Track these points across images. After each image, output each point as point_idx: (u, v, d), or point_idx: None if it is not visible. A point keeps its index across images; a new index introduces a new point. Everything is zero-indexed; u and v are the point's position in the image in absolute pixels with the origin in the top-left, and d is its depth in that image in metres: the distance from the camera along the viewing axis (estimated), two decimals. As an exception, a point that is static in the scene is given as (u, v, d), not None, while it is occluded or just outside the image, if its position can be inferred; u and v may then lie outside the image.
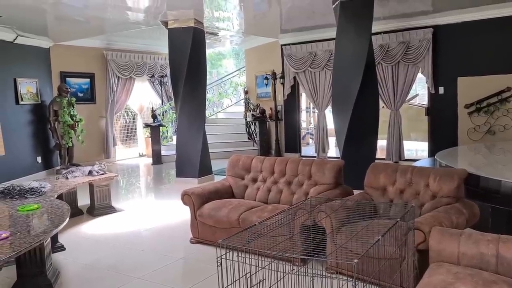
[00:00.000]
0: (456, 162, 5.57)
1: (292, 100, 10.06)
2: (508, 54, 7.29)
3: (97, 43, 9.77)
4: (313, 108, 10.48)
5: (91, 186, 5.71)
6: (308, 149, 10.85)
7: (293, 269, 3.14)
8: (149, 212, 5.97)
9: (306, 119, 12.13)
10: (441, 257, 2.77)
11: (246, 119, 10.88)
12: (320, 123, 9.52)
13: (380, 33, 8.15)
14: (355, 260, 1.95)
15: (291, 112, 10.14)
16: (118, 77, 10.31)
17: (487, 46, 7.48)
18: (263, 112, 10.27)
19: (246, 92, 11.38)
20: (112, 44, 10.05)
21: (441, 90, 7.98)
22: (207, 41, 8.20)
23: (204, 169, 7.75)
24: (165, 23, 7.56)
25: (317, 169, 4.28)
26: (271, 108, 10.34)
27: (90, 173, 5.68)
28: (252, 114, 10.48)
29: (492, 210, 4.29)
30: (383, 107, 8.41)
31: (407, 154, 8.72)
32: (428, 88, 8.15)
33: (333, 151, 9.76)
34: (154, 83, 11.25)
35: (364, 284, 3.15)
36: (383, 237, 3.17)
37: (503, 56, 7.33)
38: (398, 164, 4.07)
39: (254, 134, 10.61)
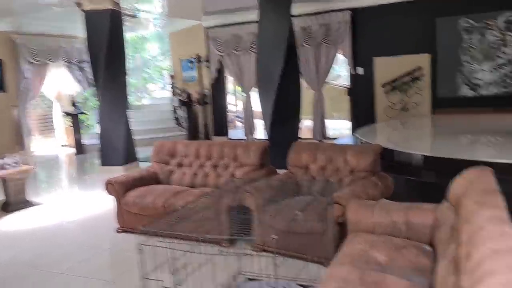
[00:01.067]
0: (374, 138, 5.89)
1: (219, 84, 10.02)
2: (419, 35, 7.78)
3: (3, 26, 8.99)
4: (240, 91, 10.52)
5: (3, 180, 5.32)
6: (236, 132, 10.92)
7: (219, 251, 3.17)
8: (72, 204, 5.69)
9: (233, 102, 12.16)
10: (358, 227, 2.93)
11: (172, 104, 10.68)
12: (247, 106, 9.59)
13: (301, 15, 8.31)
14: (274, 236, 2.00)
15: (218, 96, 10.10)
16: (31, 62, 9.59)
17: (401, 28, 7.92)
18: (189, 96, 10.13)
19: (172, 77, 11.14)
20: (23, 28, 9.30)
21: (361, 70, 8.35)
22: (128, 24, 7.88)
23: (129, 157, 7.53)
24: (80, 5, 7.14)
25: (242, 151, 4.32)
26: (197, 92, 10.22)
27: (1, 166, 5.28)
28: (178, 99, 10.30)
29: (406, 181, 4.60)
30: (307, 88, 8.65)
31: (332, 133, 9.07)
32: (349, 69, 8.49)
33: (261, 133, 9.90)
34: (73, 69, 10.63)
35: (286, 258, 3.28)
36: (303, 213, 3.30)
37: (415, 37, 7.81)
38: (319, 142, 4.22)
39: (182, 119, 10.46)
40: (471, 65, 7.47)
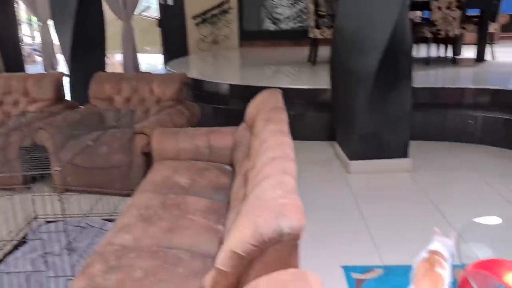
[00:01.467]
0: (186, 70, 5.86)
1: (5, 12, 8.48)
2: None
3: None
4: (36, 20, 9.16)
5: None
6: (36, 68, 9.61)
7: (9, 195, 2.82)
8: None
9: (29, 33, 10.58)
10: (163, 155, 2.91)
11: None
12: (45, 38, 8.44)
13: None
14: (57, 168, 1.81)
15: (5, 26, 8.58)
16: None
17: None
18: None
19: None
20: None
21: (170, 1, 8.07)
22: None
23: None
24: None
25: (33, 84, 3.80)
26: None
27: None
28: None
29: (214, 109, 4.76)
30: (116, 19, 8.00)
31: (146, 67, 8.73)
32: (159, -1, 8.11)
33: (64, 68, 8.92)
34: None
35: (93, 194, 3.11)
36: (108, 146, 3.12)
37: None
38: (123, 73, 3.98)
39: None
40: (273, 0, 7.93)
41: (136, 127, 3.09)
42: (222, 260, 1.22)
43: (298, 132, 4.43)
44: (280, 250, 1.18)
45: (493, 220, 2.73)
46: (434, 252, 1.96)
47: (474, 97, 4.48)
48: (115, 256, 1.76)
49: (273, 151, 1.75)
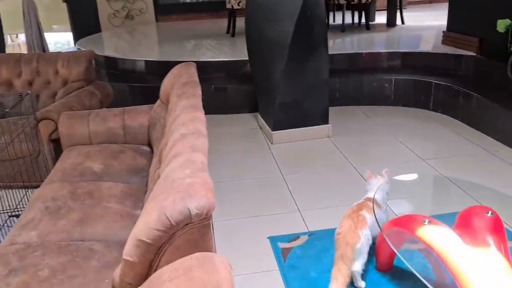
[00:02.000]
0: (98, 48, 5.48)
1: None
2: None
3: None
4: None
5: None
6: None
7: None
8: None
9: None
10: (73, 141, 2.70)
11: None
12: None
13: None
14: None
15: None
16: None
17: None
18: None
19: None
20: None
21: (75, -27, 7.47)
22: None
23: None
24: None
25: None
26: None
27: None
28: None
29: (131, 88, 4.52)
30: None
31: (56, 47, 8.09)
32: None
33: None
34: None
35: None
36: (10, 136, 2.83)
37: None
38: (22, 53, 3.62)
39: None
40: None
41: (39, 112, 2.83)
42: (129, 250, 1.13)
43: (221, 105, 4.37)
44: (191, 232, 1.11)
45: (409, 177, 2.87)
46: (367, 199, 2.08)
47: (387, 61, 4.65)
48: (17, 257, 1.60)
49: (184, 127, 1.66)
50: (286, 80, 3.44)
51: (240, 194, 2.87)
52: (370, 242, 1.95)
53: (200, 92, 2.20)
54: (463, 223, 1.79)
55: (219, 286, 0.78)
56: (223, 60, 4.76)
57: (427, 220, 1.75)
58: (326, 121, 3.67)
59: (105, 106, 3.41)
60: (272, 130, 3.61)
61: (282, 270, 2.09)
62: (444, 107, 4.06)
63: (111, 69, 4.99)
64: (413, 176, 2.85)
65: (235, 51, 5.23)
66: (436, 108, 4.12)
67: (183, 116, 1.79)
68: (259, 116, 4.03)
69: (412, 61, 4.58)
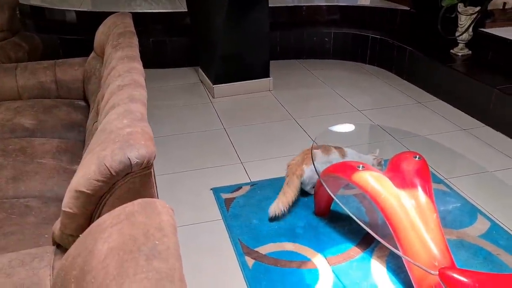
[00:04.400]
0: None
1: None
2: None
3: None
4: None
5: None
6: None
7: None
8: None
9: None
10: (0, 97, 2.53)
11: None
12: None
13: None
14: None
15: None
16: None
17: None
18: None
19: None
20: None
21: None
22: None
23: None
24: None
25: None
26: None
27: None
28: None
29: (61, 40, 4.24)
30: None
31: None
32: None
33: None
34: None
35: None
36: None
37: None
38: None
39: None
40: None
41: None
42: (68, 201, 1.11)
43: (160, 59, 4.24)
44: (132, 182, 1.10)
45: (347, 127, 2.99)
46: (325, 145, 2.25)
47: (327, 14, 4.69)
48: None
49: (121, 78, 1.60)
50: (227, 32, 3.38)
51: (182, 148, 2.86)
52: (317, 176, 2.08)
53: (136, 42, 2.12)
54: (394, 167, 1.92)
55: (161, 228, 0.80)
56: (162, 12, 4.57)
57: (361, 166, 1.85)
58: (267, 75, 3.69)
59: (34, 59, 3.18)
60: (213, 84, 3.57)
61: (226, 219, 2.14)
62: (380, 60, 4.20)
63: (39, 20, 4.64)
64: (350, 126, 2.97)
65: (174, 2, 5.02)
66: (373, 61, 4.26)
67: (120, 67, 1.73)
68: (200, 70, 3.96)
69: (351, 15, 4.65)
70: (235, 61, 3.54)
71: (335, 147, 2.28)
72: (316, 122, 3.18)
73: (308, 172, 2.17)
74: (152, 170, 1.14)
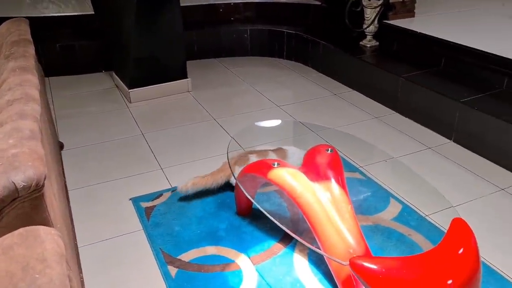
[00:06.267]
0: None
1: None
2: None
3: None
4: None
5: None
6: None
7: None
8: None
9: None
10: None
11: None
12: None
13: None
14: None
15: None
16: None
17: None
18: None
19: None
20: None
21: None
22: None
23: None
24: None
25: None
26: None
27: None
28: None
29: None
30: None
31: None
32: None
33: None
34: None
35: None
36: None
37: None
38: None
39: None
40: None
41: None
42: None
43: (71, 65, 4.01)
44: (21, 207, 1.02)
45: (271, 123, 3.02)
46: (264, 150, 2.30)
47: (243, 11, 4.70)
48: None
49: (11, 92, 1.48)
50: (138, 34, 3.27)
51: (98, 158, 2.73)
52: None
53: (32, 52, 1.97)
54: (308, 162, 1.97)
55: (44, 259, 0.74)
56: (69, 15, 4.33)
57: (276, 163, 1.87)
58: (185, 75, 3.62)
59: None
60: (129, 88, 3.45)
61: (146, 229, 2.08)
62: (296, 55, 4.30)
63: None
64: (270, 123, 3.01)
65: (83, 4, 4.77)
66: (290, 56, 4.35)
67: (11, 80, 1.60)
68: (114, 74, 3.81)
69: (266, 11, 4.71)
70: (150, 64, 3.44)
71: (273, 150, 2.27)
72: (236, 120, 3.18)
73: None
74: (43, 192, 1.05)
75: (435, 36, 3.34)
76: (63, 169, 2.59)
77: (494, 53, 2.94)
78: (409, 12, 3.76)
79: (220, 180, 2.23)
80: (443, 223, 2.04)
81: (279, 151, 2.29)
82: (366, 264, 1.30)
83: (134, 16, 3.18)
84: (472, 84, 2.95)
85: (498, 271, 1.80)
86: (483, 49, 3.01)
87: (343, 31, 3.96)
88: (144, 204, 2.25)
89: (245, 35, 4.41)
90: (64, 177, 2.51)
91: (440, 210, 2.13)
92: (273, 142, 2.60)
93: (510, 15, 3.92)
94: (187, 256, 1.91)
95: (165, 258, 1.90)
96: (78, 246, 2.00)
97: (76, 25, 4.25)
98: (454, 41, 3.20)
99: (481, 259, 1.47)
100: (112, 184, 2.47)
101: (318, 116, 3.22)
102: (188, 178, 2.24)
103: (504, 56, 2.88)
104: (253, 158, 2.20)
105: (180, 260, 1.89)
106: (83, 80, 3.91)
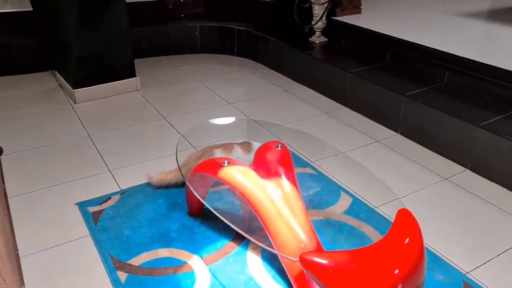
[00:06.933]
0: None
1: None
2: None
3: None
4: None
5: None
6: None
7: None
8: None
9: None
10: None
11: None
12: None
13: None
14: None
15: None
16: None
17: None
18: None
19: None
20: None
21: None
22: None
23: None
24: None
25: None
26: None
27: None
28: None
29: None
30: None
31: None
32: None
33: None
34: None
35: None
36: None
37: None
38: None
39: None
40: None
41: None
42: None
43: (10, 65, 3.80)
44: None
45: (222, 120, 2.99)
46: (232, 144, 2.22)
47: (192, 7, 4.63)
48: None
49: None
50: (81, 31, 3.14)
51: (42, 162, 2.60)
52: None
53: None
54: (259, 159, 1.96)
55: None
56: (5, 12, 4.08)
57: (226, 162, 1.85)
58: (133, 74, 3.52)
59: None
60: (74, 88, 3.31)
61: (94, 235, 2.00)
62: (247, 52, 4.29)
63: None
64: (221, 120, 2.98)
65: (23, 1, 4.52)
66: (240, 53, 4.33)
67: None
68: (57, 74, 3.64)
69: (215, 7, 4.66)
70: (95, 62, 3.31)
71: (239, 144, 2.22)
72: (187, 119, 3.13)
73: None
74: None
75: (380, 32, 3.43)
76: (2, 174, 2.44)
77: (436, 48, 3.05)
78: (356, 8, 3.84)
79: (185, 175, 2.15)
80: (391, 214, 2.10)
81: (245, 144, 2.23)
82: (316, 259, 1.31)
83: (76, 13, 3.05)
84: (416, 78, 3.06)
85: (443, 257, 1.87)
86: (425, 44, 3.12)
87: (293, 28, 3.99)
88: (91, 209, 2.16)
89: (195, 32, 4.35)
90: (4, 183, 2.36)
91: (387, 202, 2.19)
92: (224, 140, 2.57)
93: (451, 12, 4.10)
94: (138, 260, 1.85)
95: (114, 263, 1.83)
96: (20, 256, 1.89)
97: (14, 23, 4.02)
98: (398, 37, 3.30)
99: (427, 246, 1.52)
100: (56, 188, 2.36)
101: (270, 112, 3.23)
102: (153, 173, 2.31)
103: (445, 51, 3.00)
104: (218, 153, 2.14)
105: (130, 264, 1.83)
106: (24, 80, 3.71)
